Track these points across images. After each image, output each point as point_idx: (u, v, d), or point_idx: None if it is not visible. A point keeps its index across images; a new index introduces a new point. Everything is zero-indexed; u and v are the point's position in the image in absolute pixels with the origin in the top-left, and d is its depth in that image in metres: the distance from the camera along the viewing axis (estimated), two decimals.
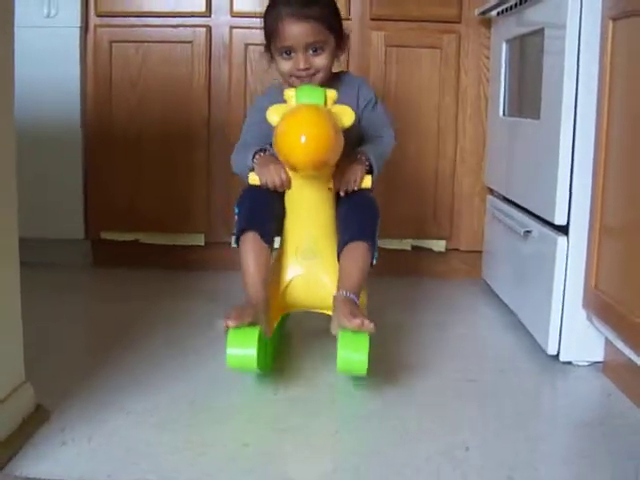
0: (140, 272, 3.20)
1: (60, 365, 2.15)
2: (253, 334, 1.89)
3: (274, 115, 1.99)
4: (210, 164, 3.16)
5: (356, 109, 2.16)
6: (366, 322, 1.86)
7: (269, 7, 2.24)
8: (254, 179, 2.10)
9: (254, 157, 2.14)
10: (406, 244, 3.22)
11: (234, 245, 2.13)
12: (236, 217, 2.15)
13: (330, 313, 2.06)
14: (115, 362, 2.16)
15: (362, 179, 2.11)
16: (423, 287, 3.11)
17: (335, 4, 2.28)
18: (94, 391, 1.96)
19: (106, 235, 3.26)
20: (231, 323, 1.89)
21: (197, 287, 3.04)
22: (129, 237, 3.27)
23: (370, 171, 2.15)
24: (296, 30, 2.14)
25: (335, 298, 2.01)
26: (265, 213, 2.14)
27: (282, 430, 1.81)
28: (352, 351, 1.86)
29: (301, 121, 1.89)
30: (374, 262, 2.12)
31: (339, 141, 1.92)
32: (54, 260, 3.25)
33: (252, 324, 1.93)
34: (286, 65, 2.19)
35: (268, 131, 2.11)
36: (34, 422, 1.73)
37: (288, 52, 2.17)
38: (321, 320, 2.18)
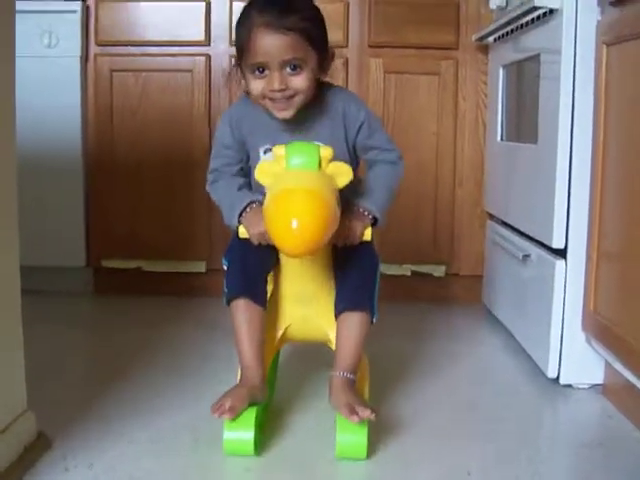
0: (142, 299, 3.21)
1: (62, 393, 2.16)
2: (250, 418, 1.80)
3: (264, 177, 1.78)
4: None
5: (345, 141, 1.98)
6: (366, 414, 1.76)
7: (241, 15, 1.88)
8: (243, 233, 1.91)
9: (241, 215, 1.92)
10: (406, 269, 3.23)
11: (224, 304, 1.96)
12: (225, 270, 1.99)
13: (328, 345, 2.03)
14: (117, 390, 2.17)
15: (362, 235, 1.90)
16: (423, 312, 3.11)
17: (320, 14, 1.93)
18: (95, 419, 1.96)
19: (107, 263, 3.28)
20: (227, 416, 1.77)
21: (199, 314, 3.04)
22: (130, 265, 3.28)
23: (374, 222, 1.94)
24: (271, 43, 1.80)
25: (332, 378, 1.90)
26: (257, 271, 1.96)
27: (284, 457, 1.81)
28: (350, 434, 1.79)
29: (294, 210, 1.64)
30: (373, 321, 1.96)
31: (335, 219, 1.71)
32: (55, 288, 3.26)
33: (249, 406, 1.83)
34: (258, 85, 1.85)
35: (241, 156, 2.00)
36: (36, 450, 1.73)
37: (261, 70, 1.83)
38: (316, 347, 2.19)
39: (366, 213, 1.92)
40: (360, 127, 1.98)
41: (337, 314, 1.93)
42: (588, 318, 2.16)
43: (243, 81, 1.92)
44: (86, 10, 3.15)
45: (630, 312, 1.93)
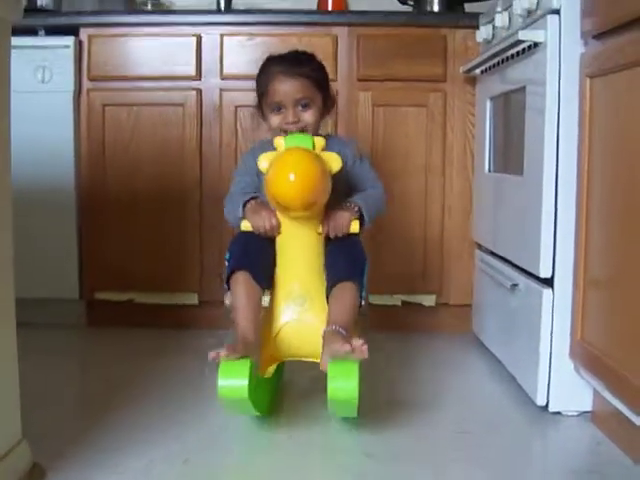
0: (134, 331, 3.22)
1: (56, 424, 2.17)
2: (244, 365, 1.91)
3: (264, 161, 2.10)
4: (202, 224, 3.20)
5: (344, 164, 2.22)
6: (357, 344, 1.90)
7: (262, 66, 2.37)
8: (246, 226, 2.17)
9: (244, 206, 2.21)
10: (396, 299, 3.25)
11: (225, 287, 2.18)
12: (227, 261, 2.21)
13: (317, 359, 2.08)
14: (110, 421, 2.18)
15: (349, 225, 2.19)
16: (414, 342, 3.13)
17: (324, 68, 2.40)
18: (89, 449, 1.97)
19: (100, 295, 3.29)
20: (223, 353, 1.92)
21: (191, 345, 3.05)
22: (123, 297, 3.29)
23: (360, 217, 2.22)
24: (287, 86, 2.26)
25: (324, 332, 2.04)
26: (257, 255, 2.19)
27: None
28: (342, 379, 1.88)
29: (290, 161, 2.00)
30: (362, 303, 2.16)
31: (327, 181, 2.03)
32: (48, 320, 3.26)
33: (243, 357, 1.95)
34: (276, 120, 2.28)
35: (256, 183, 2.25)
36: None
37: (278, 108, 2.28)
38: (314, 369, 2.22)
39: (354, 207, 2.23)
40: (354, 163, 2.36)
41: (329, 290, 2.14)
42: (575, 346, 2.18)
43: (262, 121, 2.38)
44: (79, 45, 3.19)
45: (616, 340, 1.95)
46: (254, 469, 1.93)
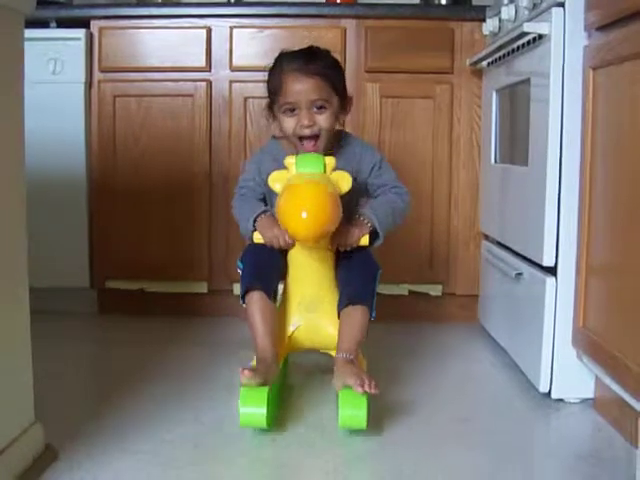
0: (144, 319, 3.27)
1: (68, 408, 2.22)
2: (263, 393, 1.97)
3: (276, 183, 2.08)
4: (212, 214, 3.24)
5: (357, 176, 2.24)
6: (371, 385, 1.94)
7: (275, 63, 2.27)
8: (259, 239, 2.17)
9: (255, 220, 2.19)
10: (403, 289, 3.28)
11: (240, 301, 2.18)
12: (240, 272, 2.21)
13: (330, 353, 2.19)
14: (121, 405, 2.22)
15: (359, 239, 2.17)
16: (420, 331, 3.16)
17: (339, 65, 2.32)
18: (101, 432, 2.01)
19: (111, 284, 3.34)
20: (247, 373, 1.94)
21: (200, 334, 3.10)
22: (134, 286, 3.34)
23: (372, 230, 2.20)
24: (300, 86, 2.16)
25: (336, 359, 2.09)
26: (269, 270, 2.20)
27: (281, 469, 1.88)
28: (352, 408, 1.96)
29: (302, 198, 1.97)
30: (372, 318, 2.18)
31: (338, 212, 2.00)
32: (60, 308, 3.31)
33: (262, 384, 1.99)
34: (290, 123, 2.20)
35: (262, 187, 2.27)
36: (44, 461, 1.79)
37: (292, 109, 2.18)
38: (320, 357, 2.26)
39: (365, 221, 2.20)
40: (372, 168, 2.32)
41: (340, 309, 2.15)
42: (578, 334, 2.21)
43: (272, 122, 2.31)
44: (90, 37, 3.23)
45: (618, 327, 1.98)
46: (263, 454, 1.96)
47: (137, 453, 1.90)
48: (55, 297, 3.29)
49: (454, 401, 2.36)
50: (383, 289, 3.09)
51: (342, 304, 2.16)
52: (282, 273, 2.25)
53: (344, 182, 2.07)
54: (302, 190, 1.99)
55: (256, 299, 2.14)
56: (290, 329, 2.22)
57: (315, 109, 2.18)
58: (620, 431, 2.07)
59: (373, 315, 2.18)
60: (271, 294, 2.16)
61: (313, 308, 2.21)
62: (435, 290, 3.29)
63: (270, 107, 2.29)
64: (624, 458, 1.92)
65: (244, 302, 2.16)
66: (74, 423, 2.06)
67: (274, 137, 2.40)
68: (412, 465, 1.89)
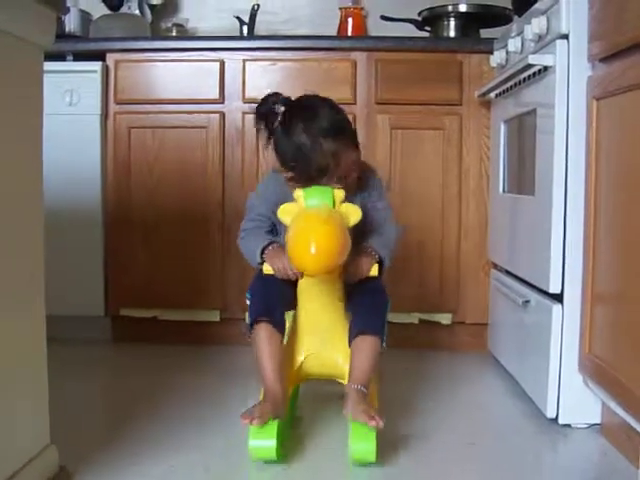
0: (158, 347, 3.30)
1: (82, 431, 2.26)
2: (273, 428, 1.99)
3: (285, 216, 2.06)
4: (225, 244, 3.27)
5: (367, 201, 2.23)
6: (378, 421, 1.95)
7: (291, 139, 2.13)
8: (268, 270, 2.15)
9: (263, 252, 2.17)
10: (414, 317, 3.31)
11: (247, 332, 2.17)
12: (248, 303, 2.21)
13: (340, 381, 2.19)
14: (133, 430, 2.26)
15: (369, 271, 2.15)
16: (430, 359, 3.18)
17: (347, 122, 2.20)
18: (113, 455, 2.05)
19: (125, 312, 3.37)
20: (256, 422, 1.94)
21: (212, 362, 3.13)
22: (147, 314, 3.37)
23: (379, 261, 2.19)
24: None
25: (348, 388, 2.09)
26: (277, 302, 2.18)
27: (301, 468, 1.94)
28: (363, 443, 1.97)
29: (309, 233, 1.93)
30: (384, 348, 2.17)
31: (346, 245, 1.96)
32: (75, 336, 3.33)
33: (272, 419, 2.01)
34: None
35: (271, 215, 2.22)
36: None
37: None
38: (332, 385, 2.29)
39: (373, 252, 2.18)
40: (372, 192, 2.28)
41: (351, 339, 2.14)
42: (584, 360, 2.24)
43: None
44: (106, 70, 3.29)
45: (623, 353, 2.00)
46: (273, 475, 1.99)
47: (148, 476, 1.94)
48: (70, 325, 3.32)
49: (463, 426, 2.39)
50: (394, 318, 3.09)
51: (353, 335, 2.15)
52: (291, 303, 2.23)
53: (353, 215, 2.05)
54: (309, 225, 1.96)
55: (263, 332, 2.13)
56: (299, 359, 2.21)
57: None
58: (626, 456, 2.08)
59: (384, 345, 2.17)
60: (279, 326, 2.15)
61: (323, 338, 2.20)
62: (445, 319, 3.31)
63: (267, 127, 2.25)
64: None
65: (251, 334, 2.16)
66: (88, 446, 2.09)
67: (274, 170, 2.32)
68: None
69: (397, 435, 2.23)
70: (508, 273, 2.93)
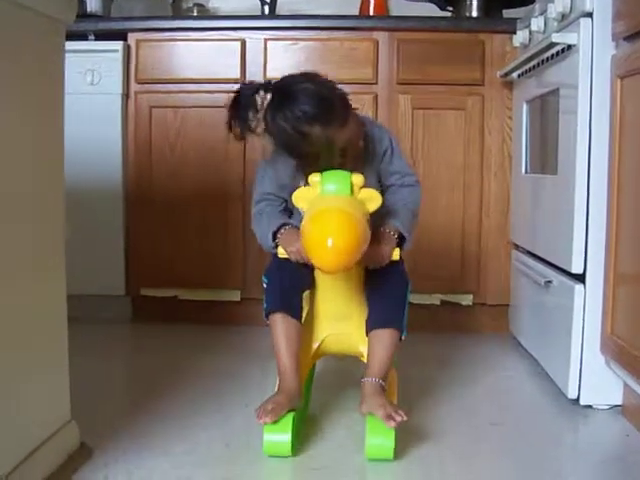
0: (178, 327, 3.32)
1: (103, 408, 2.27)
2: (288, 422, 1.96)
3: (301, 201, 1.95)
4: (245, 224, 3.23)
5: (372, 168, 2.13)
6: (398, 418, 1.91)
7: (293, 131, 1.99)
8: (282, 253, 2.07)
9: (275, 235, 2.09)
10: (435, 299, 3.31)
11: (264, 319, 2.13)
12: (265, 288, 2.16)
13: (360, 358, 2.17)
14: (154, 407, 2.27)
15: (390, 256, 2.04)
16: (451, 340, 3.18)
17: (338, 96, 2.02)
18: (134, 433, 2.06)
19: (146, 291, 3.39)
20: (269, 420, 1.92)
21: (232, 341, 3.14)
22: (168, 293, 3.39)
23: (400, 242, 2.08)
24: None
25: (364, 384, 2.04)
26: (293, 288, 2.13)
27: (314, 469, 1.91)
28: (380, 438, 1.93)
29: (329, 231, 1.79)
30: (403, 337, 2.11)
31: (367, 237, 1.85)
32: (95, 315, 3.36)
33: (287, 412, 1.98)
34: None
35: (279, 188, 2.16)
36: (79, 458, 1.84)
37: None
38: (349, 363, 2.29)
39: (392, 234, 2.07)
40: (385, 152, 2.16)
41: (368, 331, 2.09)
42: (606, 340, 2.23)
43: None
44: (127, 49, 3.30)
45: None
46: (297, 440, 1.99)
47: (170, 452, 1.95)
48: (91, 304, 3.34)
49: (484, 407, 2.39)
50: (415, 298, 3.09)
51: (371, 325, 2.10)
52: (308, 284, 2.17)
53: (373, 201, 1.93)
54: (328, 221, 1.82)
55: (280, 322, 2.09)
56: (317, 340, 2.19)
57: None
58: None
59: (404, 334, 2.11)
60: (295, 313, 2.10)
61: (342, 319, 2.17)
62: (466, 300, 3.31)
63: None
64: None
65: (267, 320, 2.12)
66: (108, 423, 2.11)
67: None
68: (441, 468, 1.91)
69: (419, 416, 2.22)
70: (530, 254, 2.92)
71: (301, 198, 1.96)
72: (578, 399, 2.32)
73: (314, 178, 1.94)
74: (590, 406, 2.32)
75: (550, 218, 2.60)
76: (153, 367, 2.74)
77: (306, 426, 2.14)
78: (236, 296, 3.37)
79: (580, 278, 2.31)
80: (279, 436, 1.94)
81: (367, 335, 2.10)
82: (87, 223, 3.27)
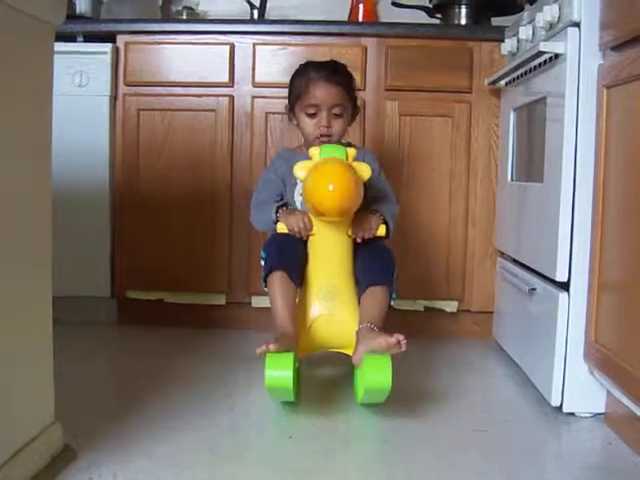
0: (163, 330, 3.31)
1: (87, 410, 2.27)
2: (289, 358, 2.08)
3: (301, 170, 2.25)
4: (232, 228, 3.28)
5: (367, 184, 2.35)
6: (400, 338, 2.09)
7: (299, 71, 2.56)
8: (282, 228, 2.33)
9: (277, 211, 2.39)
10: (419, 305, 3.31)
11: (262, 285, 2.33)
12: (263, 261, 2.36)
13: (347, 352, 2.26)
14: (138, 410, 2.27)
15: (377, 228, 2.36)
16: (435, 347, 3.18)
17: (354, 80, 2.59)
18: (118, 435, 2.06)
19: (131, 294, 3.38)
20: (272, 347, 2.06)
21: (218, 345, 3.13)
22: (153, 296, 3.38)
23: (384, 223, 2.40)
24: (325, 92, 2.45)
25: (359, 330, 2.19)
26: (291, 255, 2.33)
27: (296, 472, 1.91)
28: (378, 371, 2.06)
29: (329, 172, 2.15)
30: (392, 302, 2.32)
31: (360, 190, 2.19)
32: (81, 318, 3.35)
33: (287, 351, 2.11)
34: (310, 123, 2.47)
35: (281, 189, 2.46)
36: (63, 460, 1.84)
37: (313, 111, 2.46)
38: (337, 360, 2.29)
39: (379, 215, 2.41)
40: (372, 170, 2.35)
41: (361, 292, 2.29)
42: (590, 348, 2.24)
43: (290, 122, 2.62)
44: (116, 52, 3.29)
45: (629, 342, 2.01)
46: (277, 456, 2.00)
47: (154, 455, 1.95)
48: (76, 306, 3.34)
49: (467, 414, 2.38)
50: (399, 304, 3.12)
51: (364, 286, 2.30)
52: (303, 260, 2.37)
53: (365, 171, 2.25)
54: (328, 166, 2.17)
55: (278, 279, 2.29)
56: (310, 319, 2.31)
57: (333, 113, 2.46)
58: (630, 444, 2.09)
59: (394, 297, 2.33)
60: (293, 276, 2.29)
61: (331, 297, 2.31)
62: (450, 306, 3.32)
63: (291, 107, 2.56)
64: (634, 471, 1.95)
65: (266, 285, 2.31)
66: (93, 425, 2.11)
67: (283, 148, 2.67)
68: (423, 473, 1.92)
69: (402, 422, 2.23)
70: (515, 261, 2.93)
71: (301, 167, 2.26)
72: (561, 407, 2.33)
73: (313, 150, 2.29)
74: (573, 414, 2.33)
75: (535, 226, 2.61)
76: (138, 369, 2.73)
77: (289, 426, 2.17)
78: (221, 300, 3.36)
79: (564, 286, 2.32)
80: (281, 372, 2.04)
81: (360, 297, 2.29)
82: (73, 225, 3.25)
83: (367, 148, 2.75)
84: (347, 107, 2.51)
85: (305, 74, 2.50)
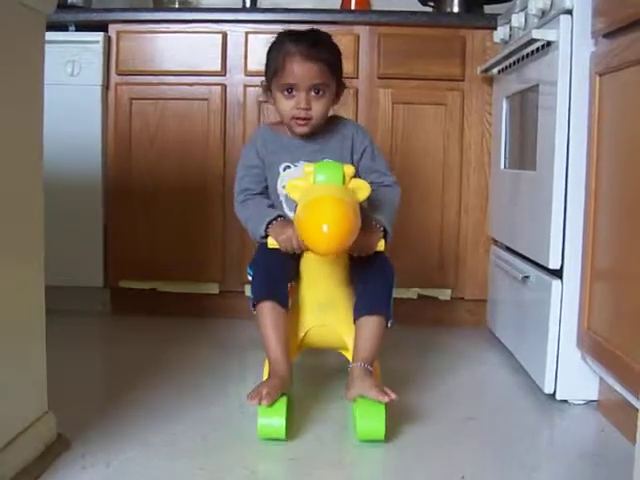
0: (157, 319, 3.31)
1: (81, 400, 2.27)
2: (282, 404, 2.00)
3: (295, 192, 2.01)
4: (225, 216, 3.27)
5: (350, 160, 2.26)
6: (392, 395, 1.97)
7: (275, 43, 2.25)
8: (272, 243, 2.13)
9: (267, 226, 2.15)
10: (413, 293, 3.31)
11: (251, 309, 2.16)
12: (250, 279, 2.21)
13: (343, 352, 2.23)
14: (131, 400, 2.27)
15: (377, 244, 2.13)
16: (429, 335, 3.18)
17: (340, 52, 2.28)
18: (112, 424, 2.06)
19: (124, 283, 3.38)
20: (265, 402, 1.94)
21: (211, 334, 3.14)
22: (147, 285, 3.38)
23: (384, 235, 2.16)
24: (303, 69, 2.14)
25: (352, 369, 2.08)
26: (280, 278, 2.17)
27: (289, 460, 1.92)
28: (371, 420, 1.98)
29: (324, 212, 1.88)
30: (390, 325, 2.17)
31: (358, 223, 1.92)
32: (74, 307, 3.36)
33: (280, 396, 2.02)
34: (287, 104, 2.19)
35: (262, 174, 2.28)
36: (56, 449, 1.84)
37: (290, 90, 2.17)
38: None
39: (378, 226, 2.16)
40: (364, 150, 2.30)
41: (356, 319, 2.14)
42: (583, 335, 2.24)
43: (271, 101, 2.30)
44: (108, 41, 3.28)
45: (622, 329, 2.01)
46: (271, 445, 1.99)
47: (147, 443, 1.95)
48: (69, 296, 3.34)
49: (460, 402, 2.39)
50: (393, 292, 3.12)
51: (358, 312, 2.14)
52: (293, 276, 2.22)
53: (362, 191, 2.01)
54: (322, 206, 1.90)
55: (267, 310, 2.11)
56: (302, 331, 2.22)
57: (313, 93, 2.17)
58: (623, 432, 2.09)
59: (390, 322, 2.17)
60: (283, 302, 2.13)
61: (327, 310, 2.21)
62: (444, 294, 3.32)
63: (268, 84, 2.27)
64: (627, 458, 1.93)
65: (255, 310, 2.15)
66: (86, 415, 2.11)
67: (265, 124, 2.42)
68: (417, 462, 1.92)
69: (395, 410, 2.22)
70: (508, 249, 2.93)
71: (295, 188, 2.03)
72: (554, 394, 2.34)
73: (308, 169, 2.01)
74: (566, 401, 2.33)
75: (528, 214, 2.61)
76: (131, 359, 2.73)
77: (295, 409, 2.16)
78: (215, 289, 3.37)
79: (557, 274, 2.33)
80: (274, 420, 1.97)
81: (355, 322, 2.14)
82: (66, 214, 3.25)
83: (359, 124, 2.53)
84: (330, 85, 2.20)
85: (282, 47, 2.19)
